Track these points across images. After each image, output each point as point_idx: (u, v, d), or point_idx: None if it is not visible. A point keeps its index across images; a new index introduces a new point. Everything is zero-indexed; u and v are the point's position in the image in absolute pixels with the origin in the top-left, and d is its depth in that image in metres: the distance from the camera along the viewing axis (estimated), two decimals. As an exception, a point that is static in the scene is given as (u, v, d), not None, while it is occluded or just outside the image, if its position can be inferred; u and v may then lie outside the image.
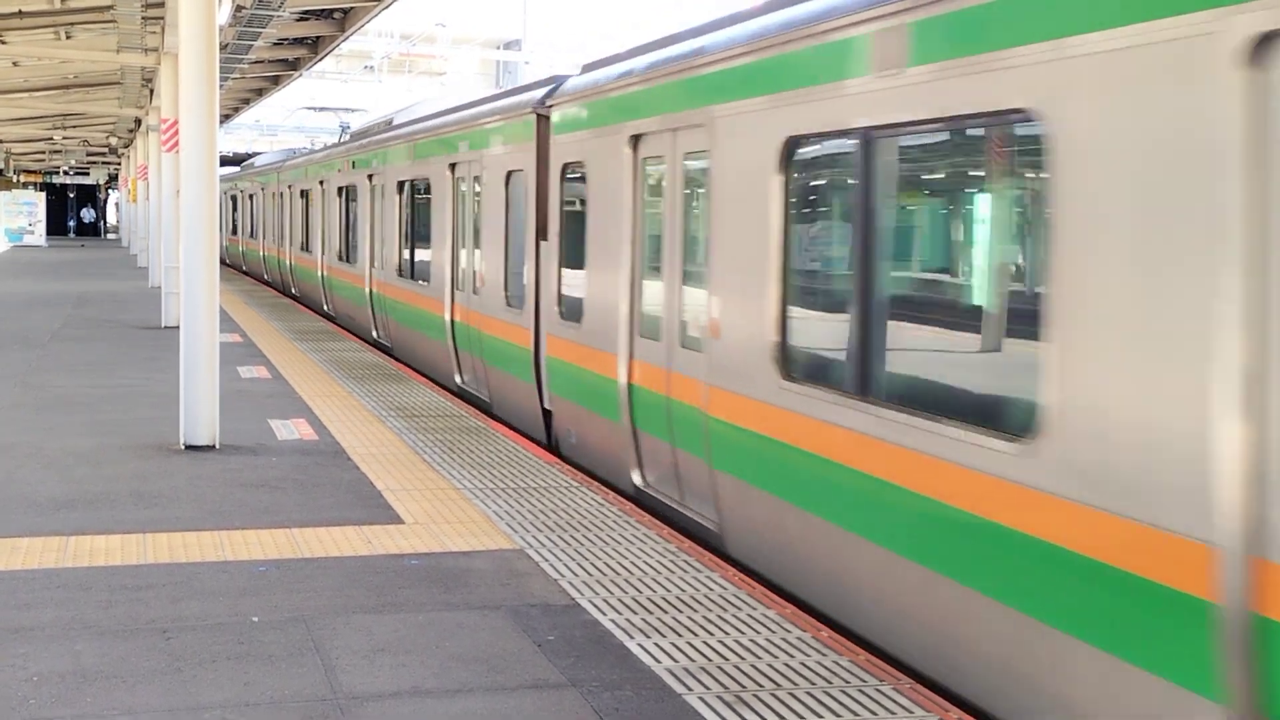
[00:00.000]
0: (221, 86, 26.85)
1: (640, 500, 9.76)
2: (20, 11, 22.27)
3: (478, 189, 14.41)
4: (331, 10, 24.24)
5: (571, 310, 11.24)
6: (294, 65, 30.42)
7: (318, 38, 26.72)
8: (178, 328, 13.93)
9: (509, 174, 13.16)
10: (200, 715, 5.30)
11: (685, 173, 8.95)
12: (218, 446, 11.04)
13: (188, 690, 5.55)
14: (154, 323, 22.09)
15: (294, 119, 68.65)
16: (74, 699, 5.44)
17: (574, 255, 11.18)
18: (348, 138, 26.78)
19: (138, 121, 41.06)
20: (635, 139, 9.78)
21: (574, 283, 11.19)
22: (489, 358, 13.82)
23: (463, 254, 15.15)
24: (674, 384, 9.01)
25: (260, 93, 37.36)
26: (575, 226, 11.19)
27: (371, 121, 24.90)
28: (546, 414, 12.14)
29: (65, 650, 6.03)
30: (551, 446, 12.10)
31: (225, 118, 44.55)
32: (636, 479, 9.82)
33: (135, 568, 7.42)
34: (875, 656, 6.24)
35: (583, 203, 10.92)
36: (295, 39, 26.85)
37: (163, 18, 21.45)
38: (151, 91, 31.64)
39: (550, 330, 11.67)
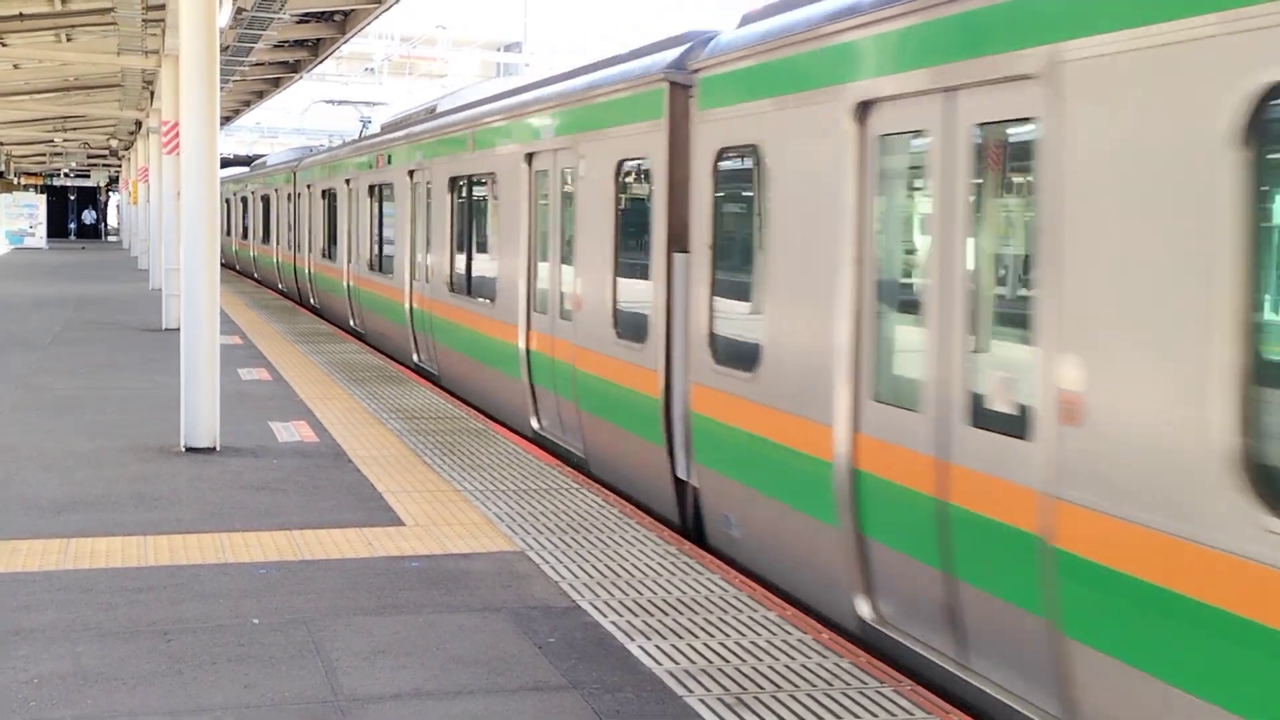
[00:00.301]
0: (222, 88, 26.87)
1: (868, 640, 6.80)
2: (21, 14, 22.29)
3: (568, 185, 11.37)
4: (332, 12, 24.25)
5: (735, 352, 8.25)
6: (294, 67, 30.45)
7: (318, 40, 26.73)
8: (178, 330, 13.95)
9: (620, 164, 10.16)
10: (201, 717, 5.30)
11: (974, 155, 5.94)
12: (218, 449, 11.04)
13: (188, 692, 5.55)
14: (155, 325, 22.09)
15: (297, 121, 68.60)
16: (74, 700, 5.44)
17: (739, 275, 8.35)
18: (376, 131, 23.55)
19: (138, 124, 41.08)
20: (863, 107, 6.81)
21: (740, 314, 8.30)
22: (586, 403, 10.80)
23: (542, 268, 12.13)
24: (958, 483, 5.93)
25: (261, 95, 37.39)
26: (741, 235, 8.41)
27: (408, 110, 21.96)
28: (680, 485, 9.28)
29: (66, 652, 6.03)
30: (687, 529, 9.25)
31: (226, 120, 44.54)
32: (864, 609, 6.83)
33: (136, 570, 7.41)
34: (876, 658, 6.24)
35: (755, 202, 8.10)
36: (296, 41, 26.86)
37: (163, 20, 21.46)
38: (152, 94, 31.66)
39: (698, 377, 8.67)
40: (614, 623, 6.58)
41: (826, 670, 5.96)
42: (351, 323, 22.81)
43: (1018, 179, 5.83)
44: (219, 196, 11.31)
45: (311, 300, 27.78)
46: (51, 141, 55.03)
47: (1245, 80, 4.31)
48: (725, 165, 8.51)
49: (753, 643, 6.32)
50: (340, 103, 41.02)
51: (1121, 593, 4.87)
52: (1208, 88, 4.48)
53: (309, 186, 27.66)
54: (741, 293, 8.23)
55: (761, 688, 5.72)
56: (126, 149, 55.71)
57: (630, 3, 71.46)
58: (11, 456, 10.59)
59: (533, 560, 7.73)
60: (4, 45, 24.95)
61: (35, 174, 76.50)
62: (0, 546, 7.84)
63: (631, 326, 9.83)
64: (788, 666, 6.00)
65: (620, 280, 10.12)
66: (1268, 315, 4.40)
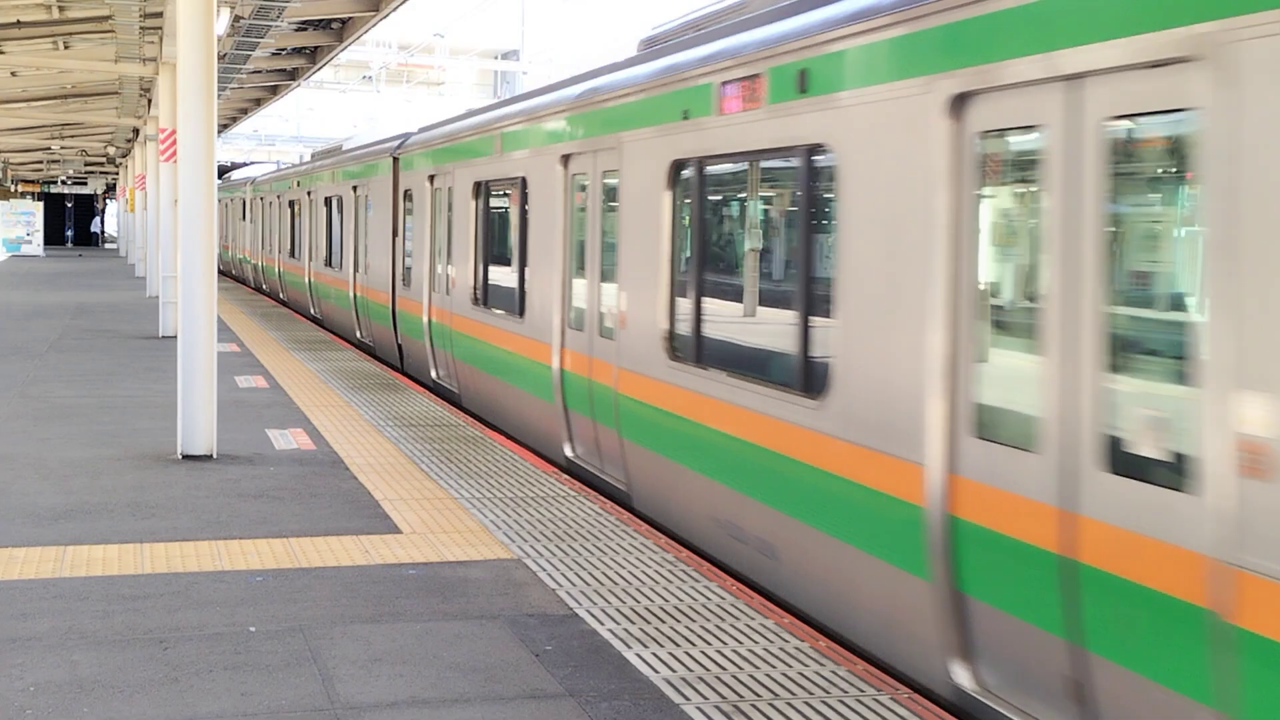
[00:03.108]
0: (220, 96, 26.87)
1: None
2: (19, 21, 22.32)
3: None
4: (330, 20, 24.28)
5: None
6: (292, 75, 30.50)
7: (316, 48, 26.77)
8: (175, 337, 13.95)
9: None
10: (197, 725, 5.29)
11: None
12: (215, 456, 11.03)
13: (185, 700, 5.55)
14: (152, 332, 22.08)
15: (293, 128, 68.39)
16: (71, 709, 5.43)
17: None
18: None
19: (136, 131, 41.11)
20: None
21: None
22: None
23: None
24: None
25: (259, 102, 37.41)
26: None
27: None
28: None
29: (62, 660, 6.02)
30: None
31: (223, 127, 44.58)
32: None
33: (132, 578, 7.41)
34: (873, 666, 6.23)
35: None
36: (294, 49, 26.90)
37: (161, 28, 21.51)
38: (149, 101, 31.70)
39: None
40: (611, 630, 6.57)
41: (824, 678, 5.96)
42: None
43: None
44: (216, 203, 11.25)
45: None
46: (49, 149, 55.08)
47: None
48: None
49: (750, 650, 6.32)
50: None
51: None
52: None
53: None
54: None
55: (759, 695, 5.72)
56: (124, 156, 55.78)
57: (629, 12, 71.57)
58: (8, 465, 10.58)
59: (530, 568, 7.73)
60: (1, 53, 24.97)
61: (32, 181, 76.55)
62: (-3, 554, 7.84)
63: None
64: (785, 674, 5.99)
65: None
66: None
